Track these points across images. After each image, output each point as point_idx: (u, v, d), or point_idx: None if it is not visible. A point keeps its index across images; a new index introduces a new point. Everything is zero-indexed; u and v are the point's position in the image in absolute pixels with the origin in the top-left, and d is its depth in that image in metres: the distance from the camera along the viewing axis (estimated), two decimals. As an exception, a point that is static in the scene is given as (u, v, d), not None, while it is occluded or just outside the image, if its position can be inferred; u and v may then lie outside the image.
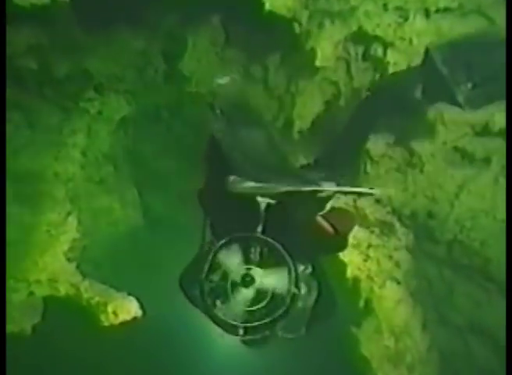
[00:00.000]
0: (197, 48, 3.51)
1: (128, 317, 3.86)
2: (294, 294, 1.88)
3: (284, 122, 3.34)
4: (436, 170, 2.97)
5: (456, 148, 2.96)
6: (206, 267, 1.91)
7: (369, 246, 3.67)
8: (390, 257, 3.64)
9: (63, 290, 3.87)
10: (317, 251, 2.28)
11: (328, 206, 2.43)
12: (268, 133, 2.97)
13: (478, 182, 2.96)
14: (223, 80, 3.20)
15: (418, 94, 2.98)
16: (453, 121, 2.88)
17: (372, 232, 3.54)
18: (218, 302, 1.88)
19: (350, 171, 3.12)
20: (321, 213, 2.35)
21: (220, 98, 3.51)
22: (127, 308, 3.90)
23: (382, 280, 3.80)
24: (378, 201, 3.28)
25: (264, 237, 1.92)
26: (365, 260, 3.75)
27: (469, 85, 2.83)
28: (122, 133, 4.30)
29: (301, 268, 2.06)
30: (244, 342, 2.33)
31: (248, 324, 1.83)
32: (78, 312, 3.90)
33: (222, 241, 1.93)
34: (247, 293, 1.87)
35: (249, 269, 1.89)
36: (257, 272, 1.88)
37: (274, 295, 1.86)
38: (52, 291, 3.85)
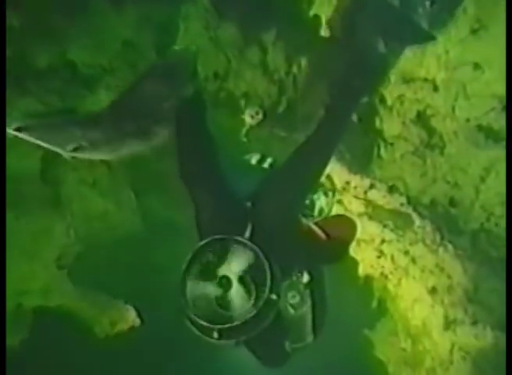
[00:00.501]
0: (190, 34, 3.26)
1: (125, 327, 3.60)
2: (271, 301, 1.83)
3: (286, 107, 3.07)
4: (459, 152, 2.70)
5: (480, 127, 2.70)
6: (184, 267, 1.91)
7: (382, 241, 3.43)
8: (406, 252, 3.39)
9: (54, 300, 3.61)
10: (315, 260, 2.22)
11: (318, 208, 2.44)
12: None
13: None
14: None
15: (382, 47, 2.71)
16: (476, 93, 2.61)
17: (386, 226, 3.29)
18: (192, 303, 1.87)
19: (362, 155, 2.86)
20: (317, 220, 2.36)
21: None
22: (124, 318, 3.64)
23: (397, 278, 3.59)
24: (391, 190, 3.00)
25: (245, 241, 1.89)
26: (379, 257, 3.53)
27: (427, 3, 2.60)
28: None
29: (294, 276, 2.03)
30: (256, 356, 2.22)
31: (221, 326, 1.79)
32: (71, 323, 3.66)
33: (202, 242, 1.91)
34: (222, 295, 1.86)
35: (227, 271, 1.88)
36: (234, 275, 1.86)
37: (250, 299, 1.84)
38: (42, 301, 3.59)
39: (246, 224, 1.98)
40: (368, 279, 3.83)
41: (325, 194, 2.61)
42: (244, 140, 3.61)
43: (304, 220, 2.32)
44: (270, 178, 2.43)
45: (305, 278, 2.03)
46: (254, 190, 2.31)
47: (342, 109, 2.58)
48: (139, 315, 3.84)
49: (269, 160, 2.76)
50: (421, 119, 2.78)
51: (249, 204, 2.18)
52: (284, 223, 2.16)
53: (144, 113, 3.28)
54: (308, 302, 2.04)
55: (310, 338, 2.13)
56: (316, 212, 2.51)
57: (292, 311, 2.00)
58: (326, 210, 2.55)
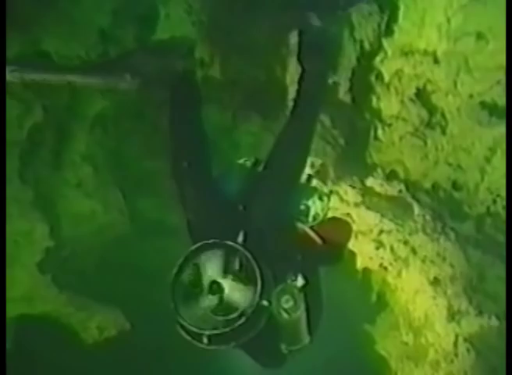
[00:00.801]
0: (171, 20, 3.08)
1: (114, 332, 3.43)
2: (261, 307, 1.86)
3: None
4: (461, 131, 2.54)
5: (483, 103, 2.54)
6: (174, 271, 1.92)
7: (381, 232, 3.29)
8: (406, 242, 3.26)
9: (38, 307, 3.42)
10: (310, 263, 2.22)
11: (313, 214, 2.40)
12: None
13: (513, 140, 2.50)
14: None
15: (316, 21, 2.56)
16: (480, 66, 2.43)
17: (384, 215, 3.15)
18: (182, 308, 1.89)
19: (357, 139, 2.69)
20: (312, 224, 2.36)
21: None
22: (113, 323, 3.47)
23: (397, 270, 3.45)
24: (390, 176, 2.84)
25: (237, 246, 1.89)
26: (377, 248, 3.39)
27: None
28: (101, 131, 3.90)
29: (288, 280, 2.02)
30: (253, 358, 2.22)
31: (210, 332, 1.82)
32: (57, 330, 3.48)
33: (194, 247, 1.92)
34: (212, 301, 1.87)
35: (218, 277, 1.90)
36: (226, 280, 1.89)
37: (238, 306, 1.85)
38: (25, 309, 3.40)
39: (239, 229, 1.98)
40: (367, 272, 3.71)
41: (320, 198, 2.53)
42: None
43: (299, 225, 2.33)
44: (258, 179, 2.38)
45: (299, 282, 2.02)
46: (245, 192, 2.30)
47: (306, 97, 2.48)
48: (128, 319, 3.65)
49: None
50: (421, 96, 2.60)
51: (241, 207, 2.17)
52: (277, 227, 2.17)
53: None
54: (302, 307, 2.03)
55: (306, 340, 2.13)
56: (311, 218, 2.46)
57: (286, 316, 1.98)
58: (321, 215, 2.49)
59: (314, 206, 2.46)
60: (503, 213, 2.62)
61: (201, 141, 2.53)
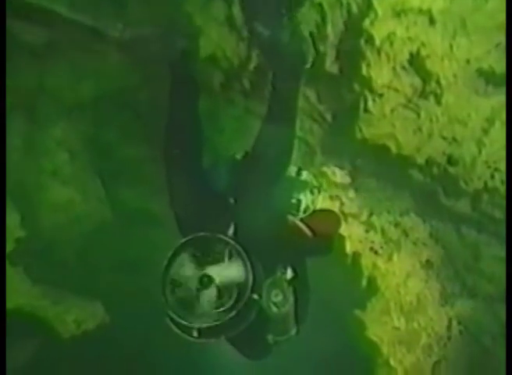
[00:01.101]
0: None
1: (92, 325, 3.27)
2: (252, 301, 1.86)
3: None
4: (457, 101, 2.39)
5: (480, 71, 2.38)
6: (164, 264, 1.90)
7: (371, 214, 3.17)
8: (397, 224, 3.15)
9: (11, 300, 3.22)
10: (300, 255, 2.28)
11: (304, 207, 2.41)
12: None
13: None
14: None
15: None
16: (478, 27, 2.21)
17: (374, 196, 3.03)
18: (172, 301, 1.86)
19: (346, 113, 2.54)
20: (302, 216, 2.37)
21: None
22: (91, 315, 3.31)
23: (388, 253, 3.35)
24: (378, 152, 2.70)
25: (227, 239, 1.89)
26: (367, 231, 3.28)
27: None
28: (77, 116, 3.70)
29: (278, 273, 2.05)
30: (238, 350, 2.22)
31: (200, 326, 1.82)
32: (31, 324, 3.29)
33: (183, 240, 1.91)
34: (202, 294, 1.87)
35: (208, 270, 1.89)
36: (216, 274, 1.88)
37: (230, 299, 1.84)
38: (-3, 302, 3.21)
39: (229, 221, 1.98)
40: (357, 256, 3.59)
41: (311, 192, 2.55)
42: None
43: (289, 217, 2.34)
44: (247, 171, 2.38)
45: (289, 274, 2.05)
46: (236, 185, 2.31)
47: (282, 76, 2.48)
48: (110, 312, 3.50)
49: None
50: (414, 62, 2.41)
51: (232, 200, 2.18)
52: (268, 220, 2.18)
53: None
54: (291, 300, 2.06)
55: (293, 331, 2.15)
56: (302, 211, 2.47)
57: (275, 309, 2.02)
58: (311, 208, 2.51)
59: (305, 199, 2.47)
60: (501, 188, 2.49)
61: (196, 130, 2.51)
